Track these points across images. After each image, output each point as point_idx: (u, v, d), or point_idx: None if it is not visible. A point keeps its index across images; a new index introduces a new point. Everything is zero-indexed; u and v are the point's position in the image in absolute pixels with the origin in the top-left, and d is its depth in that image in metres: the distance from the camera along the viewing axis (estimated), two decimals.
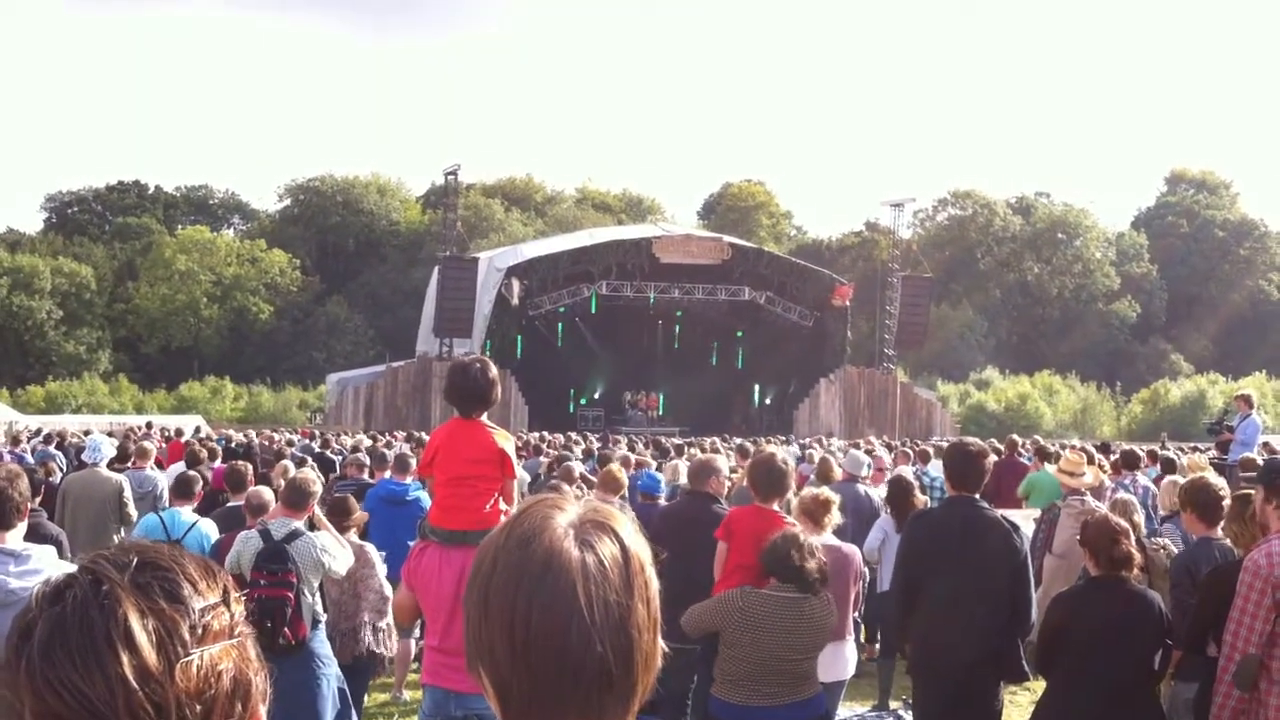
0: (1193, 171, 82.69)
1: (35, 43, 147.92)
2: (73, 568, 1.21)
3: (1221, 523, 5.90)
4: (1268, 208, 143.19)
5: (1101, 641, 5.08)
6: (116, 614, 1.11)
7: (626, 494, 9.68)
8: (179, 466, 12.49)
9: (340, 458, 15.72)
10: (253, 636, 1.23)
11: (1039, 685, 6.19)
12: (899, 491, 9.07)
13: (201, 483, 8.88)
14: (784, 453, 7.18)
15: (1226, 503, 5.91)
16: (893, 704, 9.24)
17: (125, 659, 1.09)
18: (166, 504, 10.32)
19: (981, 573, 5.61)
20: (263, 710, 1.22)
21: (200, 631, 1.15)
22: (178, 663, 1.11)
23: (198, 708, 1.12)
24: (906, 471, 13.14)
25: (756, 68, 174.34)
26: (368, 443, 19.07)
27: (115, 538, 9.35)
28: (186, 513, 8.21)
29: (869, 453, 14.53)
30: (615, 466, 10.07)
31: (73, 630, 1.10)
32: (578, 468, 11.62)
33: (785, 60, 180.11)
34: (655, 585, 1.38)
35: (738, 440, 20.15)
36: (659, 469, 13.14)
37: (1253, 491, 5.51)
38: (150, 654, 1.10)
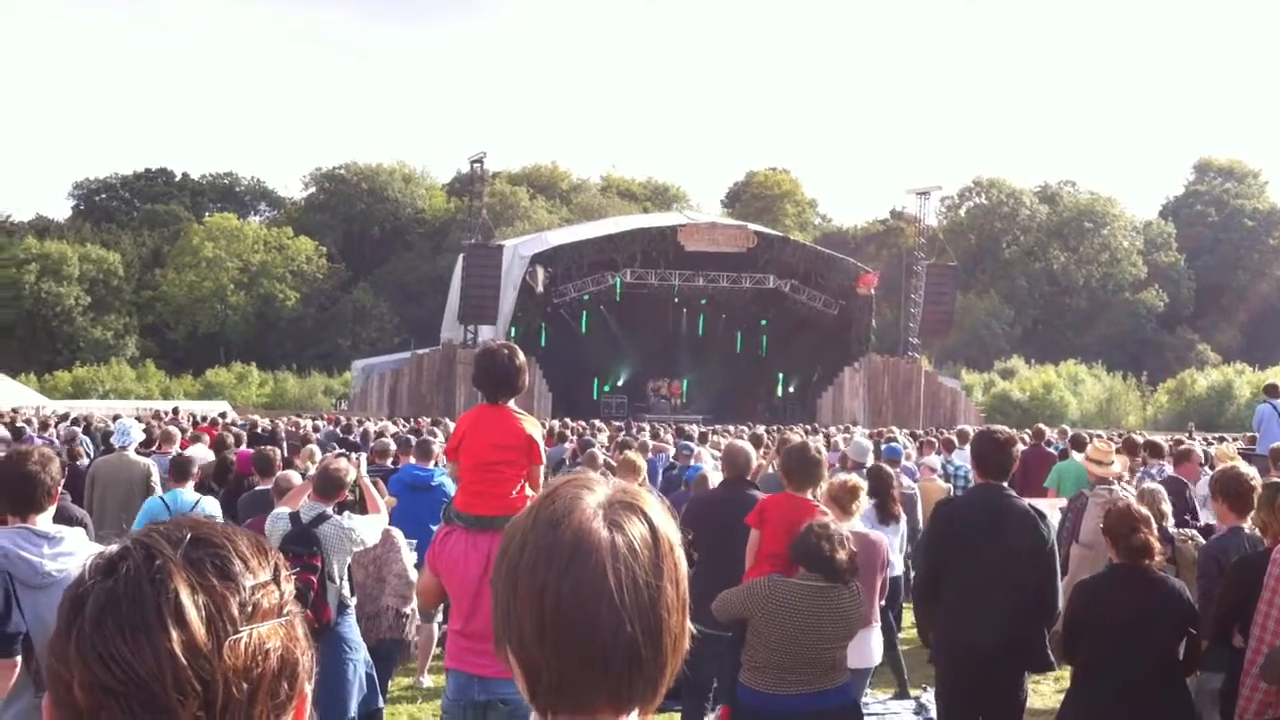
0: (1221, 160, 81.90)
1: (64, 32, 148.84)
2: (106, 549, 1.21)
3: (1251, 513, 5.85)
4: None
5: (1123, 630, 5.06)
6: (168, 589, 1.11)
7: (646, 478, 9.70)
8: (198, 449, 12.57)
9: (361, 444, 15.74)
10: (302, 616, 1.23)
11: (1063, 675, 6.18)
12: (879, 481, 9.04)
13: (197, 464, 8.88)
14: (816, 441, 7.17)
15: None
16: (913, 691, 9.23)
17: (175, 634, 1.09)
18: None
19: (1007, 561, 5.59)
20: (309, 689, 1.22)
21: (250, 609, 1.15)
22: (226, 640, 1.12)
23: (244, 685, 1.12)
24: (935, 461, 13.14)
25: (782, 56, 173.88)
26: (392, 429, 19.14)
27: None
28: (188, 492, 8.23)
29: (891, 440, 14.49)
30: (632, 453, 10.08)
31: (124, 603, 1.10)
32: (601, 455, 11.62)
33: (811, 48, 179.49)
34: (684, 566, 1.38)
35: (760, 428, 20.12)
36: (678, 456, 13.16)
37: None
38: (200, 630, 1.10)
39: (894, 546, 9.27)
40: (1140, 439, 13.17)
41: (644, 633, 1.30)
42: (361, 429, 18.13)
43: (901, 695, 9.19)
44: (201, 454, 12.15)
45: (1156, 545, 5.29)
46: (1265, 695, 4.61)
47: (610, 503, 1.36)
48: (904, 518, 9.55)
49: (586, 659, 1.28)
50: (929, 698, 8.63)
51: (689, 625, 1.38)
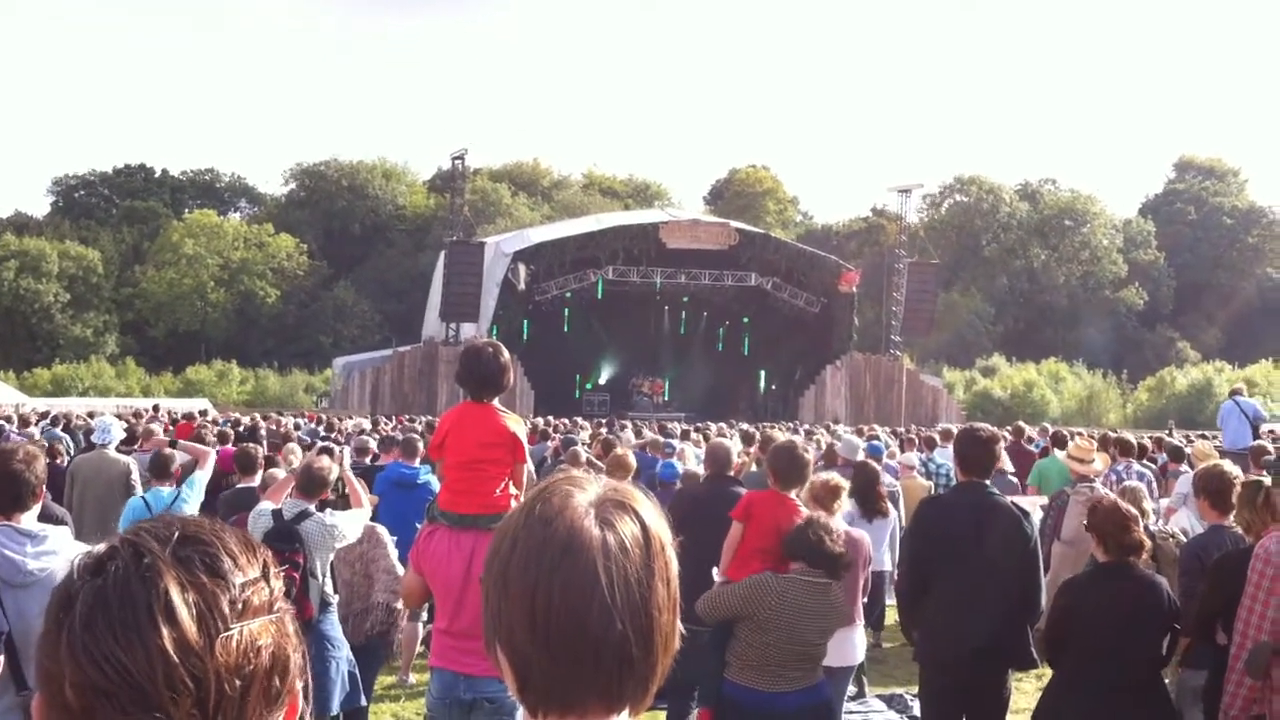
0: (1201, 158, 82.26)
1: (42, 27, 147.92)
2: (89, 548, 1.20)
3: (1233, 511, 5.88)
4: (1276, 195, 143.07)
5: (1109, 628, 5.07)
6: (158, 587, 1.11)
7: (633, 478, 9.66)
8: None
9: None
10: (291, 613, 1.23)
11: (1047, 672, 6.20)
12: (863, 478, 9.04)
13: (177, 462, 8.80)
14: (803, 441, 7.20)
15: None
16: (897, 689, 9.24)
17: (166, 632, 1.09)
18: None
19: (991, 559, 5.60)
20: (300, 686, 1.22)
21: (240, 606, 1.15)
22: (218, 637, 1.12)
23: (237, 682, 1.12)
24: (914, 458, 13.17)
25: (763, 53, 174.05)
26: (367, 424, 19.10)
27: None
28: (167, 489, 8.20)
29: (873, 438, 14.52)
30: (622, 450, 10.06)
31: (114, 602, 1.10)
32: (584, 452, 11.61)
33: (792, 45, 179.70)
34: (675, 566, 1.38)
35: (744, 426, 20.11)
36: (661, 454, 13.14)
37: (1263, 478, 5.51)
38: (191, 628, 1.10)
39: (882, 541, 9.29)
40: (1112, 436, 13.21)
41: (635, 631, 1.30)
42: (340, 427, 18.09)
43: (859, 696, 9.16)
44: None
45: (1148, 543, 5.33)
46: (1250, 691, 4.63)
47: (602, 501, 1.36)
48: (893, 512, 9.56)
49: (577, 657, 1.28)
50: (912, 695, 8.66)
51: (679, 625, 1.38)
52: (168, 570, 1.13)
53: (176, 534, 1.17)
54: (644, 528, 1.35)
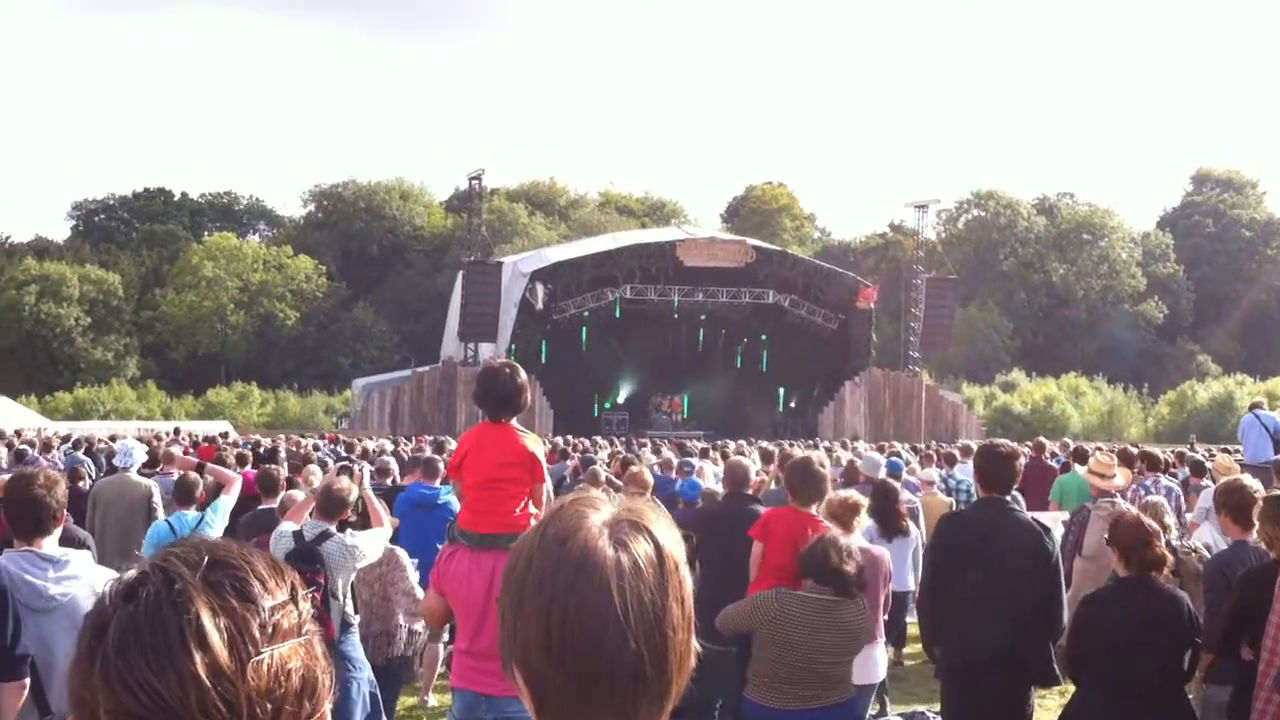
0: (1218, 170, 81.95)
1: (61, 52, 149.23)
2: (111, 574, 1.21)
3: (1255, 526, 5.85)
4: None
5: (1130, 643, 5.05)
6: (189, 612, 1.12)
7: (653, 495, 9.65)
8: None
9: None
10: (320, 635, 1.24)
11: (1070, 690, 6.17)
12: (882, 497, 9.00)
13: (201, 486, 8.83)
14: (820, 456, 7.17)
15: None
16: (919, 706, 9.18)
17: (198, 657, 1.10)
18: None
19: (1012, 575, 5.58)
20: (328, 708, 1.23)
21: (270, 630, 1.16)
22: (249, 661, 1.12)
23: (268, 706, 1.13)
24: (934, 475, 13.12)
25: (779, 70, 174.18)
26: (390, 446, 19.13)
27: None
28: (192, 513, 8.23)
29: (893, 455, 14.48)
30: (638, 468, 10.06)
31: (146, 628, 1.11)
32: (603, 471, 11.61)
33: (808, 62, 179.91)
34: (689, 585, 1.38)
35: (763, 443, 20.08)
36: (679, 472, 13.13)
37: None
38: (222, 652, 1.11)
39: (904, 561, 9.25)
40: (1136, 450, 13.15)
41: (649, 651, 1.30)
42: (360, 447, 18.13)
43: (881, 714, 9.12)
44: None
45: (1169, 558, 5.31)
46: (1278, 708, 4.59)
47: (616, 521, 1.36)
48: (915, 531, 9.52)
49: (592, 676, 1.28)
50: (934, 713, 8.60)
51: (694, 643, 1.38)
52: (199, 595, 1.14)
53: (206, 558, 1.18)
54: (658, 547, 1.35)
